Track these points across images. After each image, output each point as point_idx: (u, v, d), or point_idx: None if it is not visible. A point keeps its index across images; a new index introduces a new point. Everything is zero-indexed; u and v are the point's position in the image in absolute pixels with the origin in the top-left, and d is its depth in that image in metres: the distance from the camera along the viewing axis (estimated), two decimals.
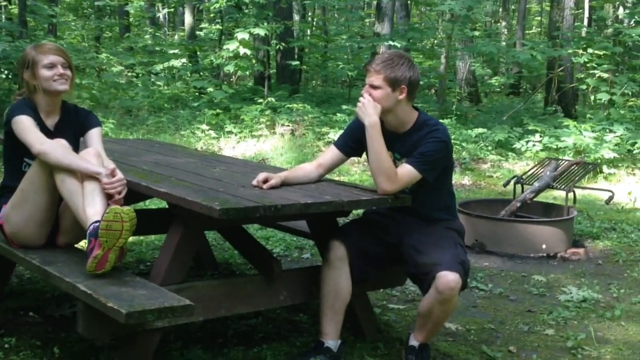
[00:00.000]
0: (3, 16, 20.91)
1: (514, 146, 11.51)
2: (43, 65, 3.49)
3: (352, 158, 3.90)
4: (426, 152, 3.42)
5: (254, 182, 3.39)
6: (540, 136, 11.53)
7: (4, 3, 21.31)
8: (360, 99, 3.48)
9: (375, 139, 3.42)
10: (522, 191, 6.62)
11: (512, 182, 6.89)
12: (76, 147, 3.54)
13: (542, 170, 6.78)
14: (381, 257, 3.61)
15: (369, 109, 3.43)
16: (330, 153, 3.74)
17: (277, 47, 15.52)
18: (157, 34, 23.72)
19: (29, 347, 3.51)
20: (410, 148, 3.48)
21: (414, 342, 3.55)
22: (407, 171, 3.42)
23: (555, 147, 11.02)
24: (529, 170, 7.00)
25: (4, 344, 3.53)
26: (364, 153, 3.71)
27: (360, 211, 3.99)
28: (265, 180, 3.38)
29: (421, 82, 17.89)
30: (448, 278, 3.25)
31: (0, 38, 12.64)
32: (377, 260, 3.61)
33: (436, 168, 3.47)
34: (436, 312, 3.36)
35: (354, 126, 3.71)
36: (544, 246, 5.97)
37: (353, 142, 3.69)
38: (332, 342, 3.50)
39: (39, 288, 4.43)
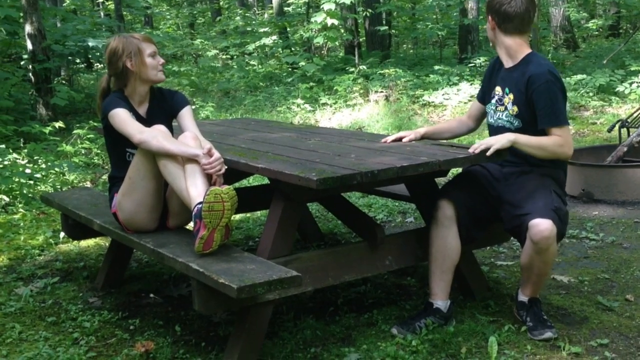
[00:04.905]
0: (102, 13, 21.66)
1: (617, 89, 11.07)
2: (148, 54, 3.54)
3: None
4: (550, 105, 3.36)
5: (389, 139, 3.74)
6: None
7: (101, 0, 22.08)
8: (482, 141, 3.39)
9: (525, 146, 3.37)
10: (629, 135, 6.39)
11: (616, 127, 6.65)
12: (170, 128, 3.58)
13: None
14: (485, 215, 3.57)
15: (500, 140, 3.33)
16: (474, 106, 3.87)
17: (364, 14, 15.44)
18: (247, 14, 24.01)
19: (152, 327, 3.68)
20: (515, 82, 3.46)
21: (522, 297, 3.51)
22: (560, 132, 3.38)
23: None
24: (634, 113, 6.74)
25: (129, 326, 3.72)
26: None
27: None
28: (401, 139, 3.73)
29: None
30: (540, 227, 3.18)
31: (101, 34, 13.10)
32: (482, 218, 3.58)
33: (564, 109, 3.43)
34: (536, 263, 3.30)
35: (485, 76, 3.78)
36: None
37: (489, 92, 3.70)
38: (441, 302, 3.51)
39: (157, 270, 4.62)
